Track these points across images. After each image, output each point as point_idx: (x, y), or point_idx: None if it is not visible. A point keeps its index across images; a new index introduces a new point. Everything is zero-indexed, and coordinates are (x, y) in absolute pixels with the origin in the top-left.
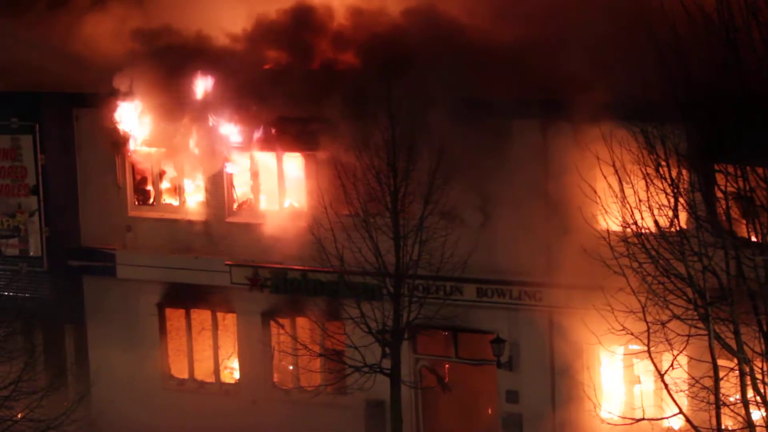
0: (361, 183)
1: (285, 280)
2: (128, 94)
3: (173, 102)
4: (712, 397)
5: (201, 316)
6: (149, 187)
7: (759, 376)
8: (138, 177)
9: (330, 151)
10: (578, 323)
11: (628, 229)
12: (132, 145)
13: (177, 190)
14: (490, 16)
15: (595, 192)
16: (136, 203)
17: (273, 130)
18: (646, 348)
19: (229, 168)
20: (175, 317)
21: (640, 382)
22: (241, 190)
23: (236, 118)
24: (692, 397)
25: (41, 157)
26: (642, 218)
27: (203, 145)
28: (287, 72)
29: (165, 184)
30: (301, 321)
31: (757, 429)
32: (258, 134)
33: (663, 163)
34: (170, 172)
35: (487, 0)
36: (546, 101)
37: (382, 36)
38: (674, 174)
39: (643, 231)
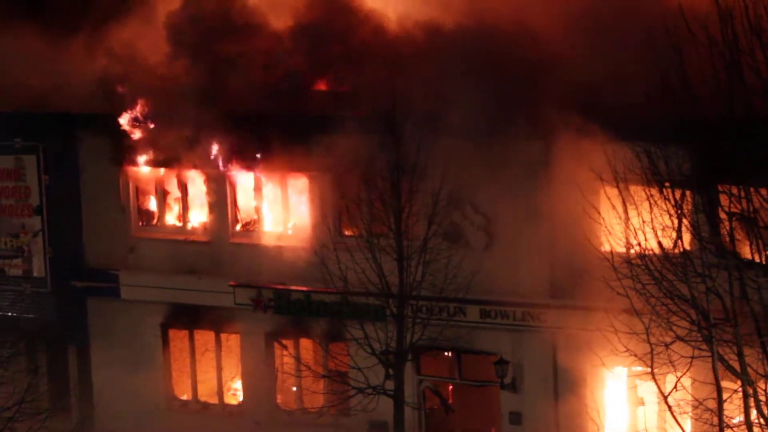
0: (365, 204)
1: (288, 301)
2: (132, 115)
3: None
4: (715, 419)
5: (204, 337)
6: (153, 208)
7: (762, 398)
8: (142, 198)
9: (334, 172)
10: (582, 345)
11: (632, 251)
12: (136, 165)
13: (181, 210)
14: (493, 36)
15: (599, 213)
16: (140, 224)
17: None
18: (649, 370)
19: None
20: (178, 338)
21: (643, 404)
22: (245, 210)
23: (240, 139)
24: (696, 419)
25: (45, 178)
26: (645, 239)
27: (208, 165)
28: (291, 91)
29: (169, 205)
30: (304, 342)
31: None
32: (261, 155)
33: (667, 184)
34: (174, 192)
35: (487, 19)
36: (550, 122)
37: (386, 55)
38: (678, 195)
39: (646, 252)
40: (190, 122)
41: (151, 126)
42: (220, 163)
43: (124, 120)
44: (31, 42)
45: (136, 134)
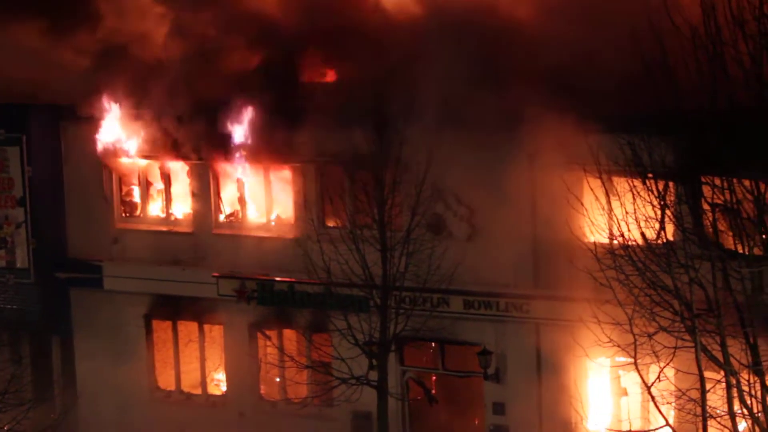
0: (348, 195)
1: (272, 292)
2: (114, 106)
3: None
4: (698, 410)
5: (188, 328)
6: (136, 199)
7: (745, 389)
8: (125, 189)
9: (317, 163)
10: (565, 335)
11: (615, 241)
12: (119, 157)
13: (164, 201)
14: (475, 27)
15: (582, 204)
16: (123, 215)
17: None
18: (632, 360)
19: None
20: (161, 329)
21: (627, 394)
22: (228, 201)
23: (223, 130)
24: (679, 410)
25: (28, 169)
26: (629, 230)
27: (191, 156)
28: (274, 82)
29: (152, 196)
30: (288, 333)
31: None
32: (244, 146)
33: (650, 175)
34: (157, 183)
35: (470, 11)
36: (532, 113)
37: (370, 47)
38: (661, 186)
39: (629, 243)
40: (172, 111)
41: (135, 116)
42: (203, 154)
43: (108, 110)
44: (14, 33)
45: (119, 125)
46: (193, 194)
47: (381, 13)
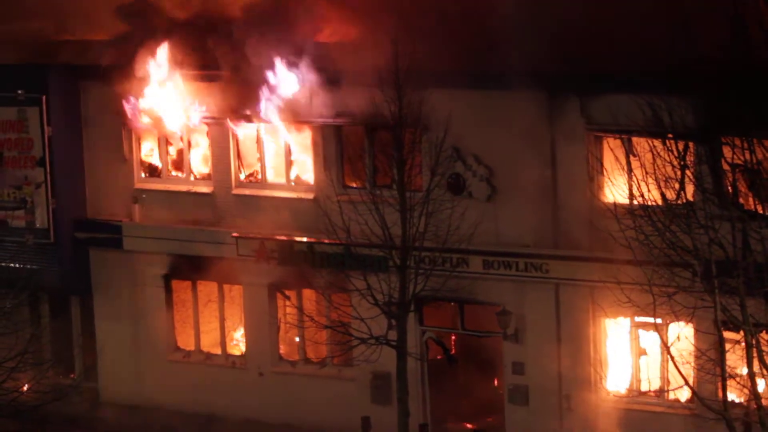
0: (368, 155)
1: (291, 252)
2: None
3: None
4: (718, 369)
5: (207, 288)
6: (156, 160)
7: (765, 349)
8: (144, 149)
9: (337, 123)
10: (585, 295)
11: (635, 202)
12: (138, 117)
13: (183, 162)
14: None
15: (602, 165)
16: (143, 175)
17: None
18: (652, 320)
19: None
20: (181, 289)
21: (646, 354)
22: (248, 162)
23: (242, 88)
24: (698, 369)
25: (48, 129)
26: (649, 191)
27: (210, 115)
28: (293, 42)
29: (172, 156)
30: (307, 293)
31: (763, 401)
32: (264, 105)
33: (670, 136)
34: (177, 143)
35: None
36: (553, 73)
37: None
38: (681, 146)
39: (649, 204)
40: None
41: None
42: (223, 114)
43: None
44: None
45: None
46: (213, 154)
47: None
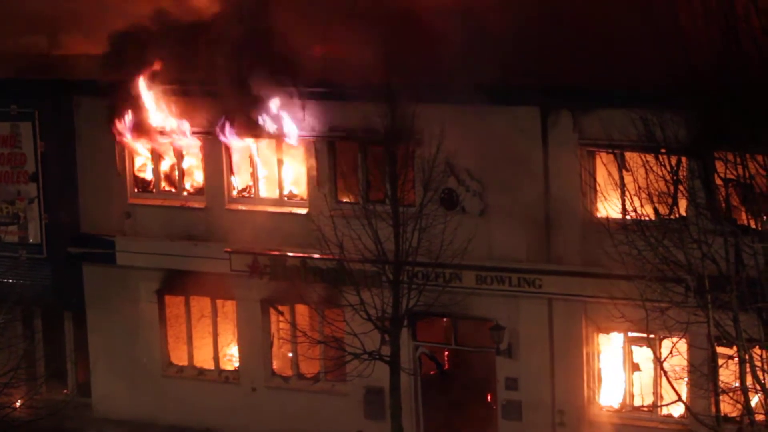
0: (361, 170)
1: (284, 267)
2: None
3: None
4: (711, 385)
5: (200, 303)
6: (149, 175)
7: (758, 364)
8: (137, 164)
9: (330, 138)
10: (578, 310)
11: (628, 217)
12: (131, 132)
13: (176, 177)
14: (488, 2)
15: (595, 179)
16: (136, 190)
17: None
18: (645, 335)
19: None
20: (174, 304)
21: (639, 369)
22: (240, 177)
23: (236, 105)
24: (691, 384)
25: (41, 144)
26: (641, 205)
27: (203, 130)
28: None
29: (165, 171)
30: (300, 308)
31: (757, 416)
32: (257, 121)
33: (663, 150)
34: (170, 158)
35: None
36: (545, 88)
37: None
38: (674, 161)
39: (642, 218)
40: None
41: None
42: (217, 129)
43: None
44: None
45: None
46: (206, 169)
47: None
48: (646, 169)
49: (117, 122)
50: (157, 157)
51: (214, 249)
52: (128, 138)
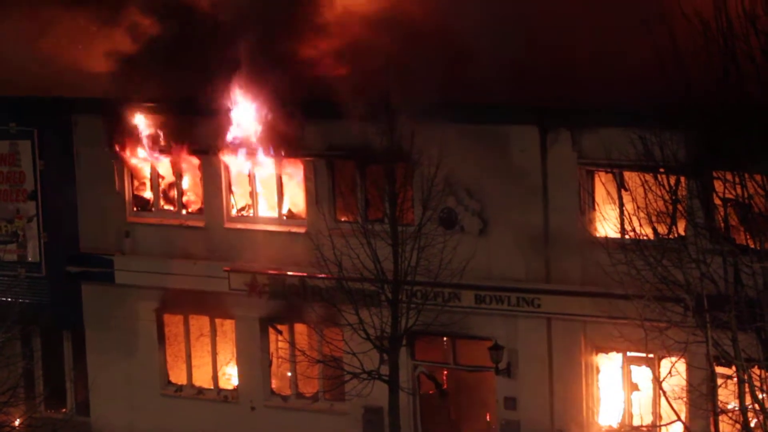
0: (360, 189)
1: (283, 286)
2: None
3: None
4: (710, 404)
5: (199, 322)
6: (148, 193)
7: (757, 384)
8: (136, 183)
9: (329, 157)
10: (577, 330)
11: (627, 236)
12: (130, 151)
13: (175, 195)
14: (488, 21)
15: (594, 198)
16: (135, 209)
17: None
18: (644, 355)
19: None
20: (173, 323)
21: (638, 389)
22: (240, 196)
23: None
24: (690, 405)
25: (40, 163)
26: (640, 225)
27: (202, 150)
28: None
29: (164, 190)
30: (299, 327)
31: None
32: (256, 140)
33: (661, 170)
34: (169, 177)
35: (484, 5)
36: (544, 107)
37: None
38: (672, 181)
39: (641, 238)
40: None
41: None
42: (215, 148)
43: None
44: (26, 25)
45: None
46: (205, 188)
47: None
48: (645, 189)
49: (116, 141)
50: (155, 175)
51: (213, 268)
52: (127, 156)
